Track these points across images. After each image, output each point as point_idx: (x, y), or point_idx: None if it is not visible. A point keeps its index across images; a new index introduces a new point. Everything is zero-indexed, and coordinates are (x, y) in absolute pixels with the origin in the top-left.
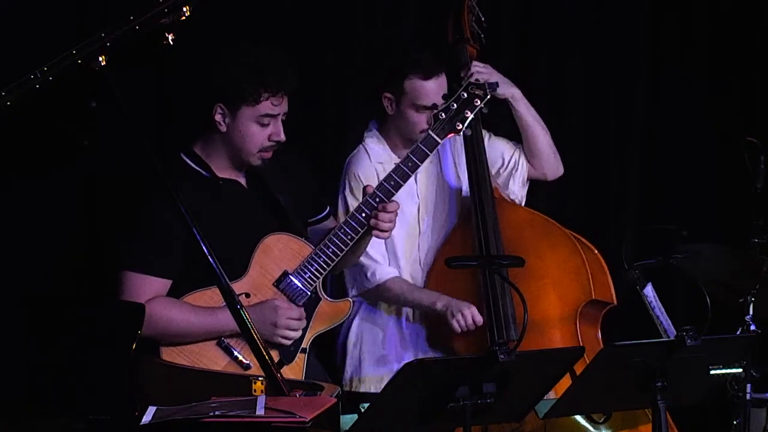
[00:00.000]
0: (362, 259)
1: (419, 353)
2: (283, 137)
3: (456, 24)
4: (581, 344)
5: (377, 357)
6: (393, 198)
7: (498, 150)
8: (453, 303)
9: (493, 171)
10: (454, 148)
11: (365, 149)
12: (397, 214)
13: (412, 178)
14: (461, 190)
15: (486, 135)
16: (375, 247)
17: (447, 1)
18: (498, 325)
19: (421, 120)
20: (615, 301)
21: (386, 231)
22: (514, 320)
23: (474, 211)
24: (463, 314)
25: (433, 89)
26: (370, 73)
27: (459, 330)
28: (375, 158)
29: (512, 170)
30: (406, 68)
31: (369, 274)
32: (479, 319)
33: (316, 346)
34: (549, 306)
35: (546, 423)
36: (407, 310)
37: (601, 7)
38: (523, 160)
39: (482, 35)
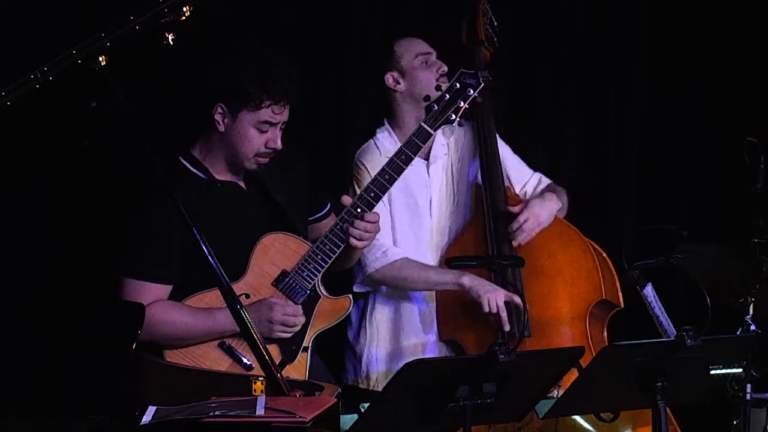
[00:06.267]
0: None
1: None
2: (279, 145)
3: (470, 26)
4: (590, 343)
5: (394, 351)
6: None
7: (519, 172)
8: (482, 282)
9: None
10: (467, 142)
11: (375, 144)
12: (377, 226)
13: (424, 169)
14: (477, 185)
15: (504, 146)
16: (385, 229)
17: (447, 1)
18: (510, 322)
19: (427, 77)
20: (622, 304)
21: (362, 240)
22: (526, 318)
23: (485, 210)
24: (497, 297)
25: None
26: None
27: (488, 310)
28: (384, 152)
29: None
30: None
31: (385, 252)
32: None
33: (319, 344)
34: (560, 304)
35: (557, 421)
36: (426, 301)
37: (601, 7)
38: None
39: (495, 38)
